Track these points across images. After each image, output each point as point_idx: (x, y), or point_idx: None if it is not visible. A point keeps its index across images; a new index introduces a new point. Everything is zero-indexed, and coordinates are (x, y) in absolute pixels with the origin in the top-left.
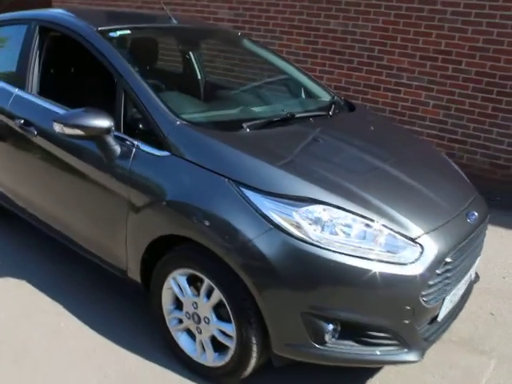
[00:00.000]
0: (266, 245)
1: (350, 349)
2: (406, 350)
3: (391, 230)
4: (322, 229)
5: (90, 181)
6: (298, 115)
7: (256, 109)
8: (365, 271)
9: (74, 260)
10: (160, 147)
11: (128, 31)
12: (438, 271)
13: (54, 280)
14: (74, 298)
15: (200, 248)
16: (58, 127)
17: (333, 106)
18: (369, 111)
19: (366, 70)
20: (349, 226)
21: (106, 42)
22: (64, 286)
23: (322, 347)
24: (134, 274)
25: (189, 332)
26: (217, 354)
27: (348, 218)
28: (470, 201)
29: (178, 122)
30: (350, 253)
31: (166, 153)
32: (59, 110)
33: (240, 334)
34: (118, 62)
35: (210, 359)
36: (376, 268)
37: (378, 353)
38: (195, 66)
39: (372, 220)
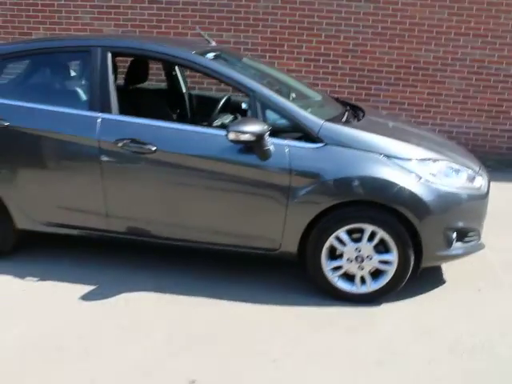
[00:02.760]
0: (420, 190)
1: (460, 247)
2: (480, 242)
3: (470, 169)
4: (443, 175)
5: (241, 181)
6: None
7: (319, 109)
8: (468, 195)
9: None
10: (313, 141)
11: (213, 53)
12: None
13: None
14: (204, 290)
15: (366, 206)
16: (233, 135)
17: (340, 100)
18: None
19: None
20: (452, 172)
21: (219, 64)
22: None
23: (449, 249)
24: (290, 247)
25: (343, 276)
26: (373, 281)
27: (452, 167)
28: None
29: (322, 121)
30: (459, 186)
31: (320, 144)
32: (172, 125)
33: (402, 257)
34: (246, 80)
35: (370, 287)
36: (472, 192)
37: (471, 246)
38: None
39: (463, 166)
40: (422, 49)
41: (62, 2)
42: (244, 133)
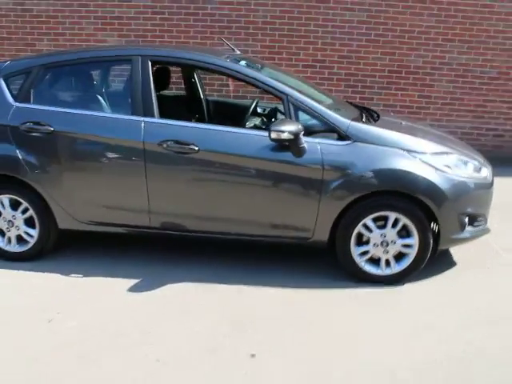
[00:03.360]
0: (437, 180)
1: (470, 231)
2: (486, 226)
3: (475, 161)
4: (455, 166)
5: (278, 176)
6: (363, 111)
7: (338, 110)
8: (476, 184)
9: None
10: (341, 139)
11: (244, 61)
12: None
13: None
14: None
15: (390, 195)
16: (274, 135)
17: (352, 103)
18: None
19: None
20: (462, 163)
21: (254, 71)
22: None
23: (462, 233)
24: (322, 235)
25: (369, 261)
26: (397, 264)
27: (462, 159)
28: None
29: (349, 121)
30: (467, 176)
31: (348, 141)
32: (213, 127)
33: (422, 241)
34: (280, 85)
35: (394, 269)
36: (480, 181)
37: (479, 229)
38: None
39: (470, 158)
40: (412, 54)
41: (66, 14)
42: (283, 132)
